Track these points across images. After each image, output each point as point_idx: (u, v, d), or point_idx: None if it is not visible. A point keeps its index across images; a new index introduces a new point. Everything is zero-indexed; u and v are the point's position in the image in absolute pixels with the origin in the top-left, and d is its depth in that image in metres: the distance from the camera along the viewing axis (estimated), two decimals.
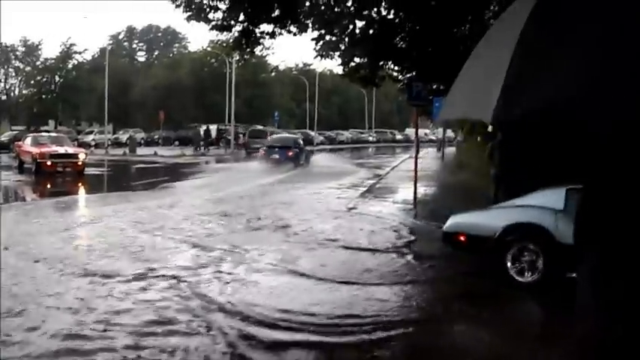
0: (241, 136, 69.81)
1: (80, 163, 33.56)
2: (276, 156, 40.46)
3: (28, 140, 36.70)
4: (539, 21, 1.80)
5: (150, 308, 8.98)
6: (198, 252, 13.16)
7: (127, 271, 11.15)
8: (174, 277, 10.76)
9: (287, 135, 53.98)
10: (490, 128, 27.85)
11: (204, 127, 69.89)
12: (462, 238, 11.49)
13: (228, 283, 10.67)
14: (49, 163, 32.53)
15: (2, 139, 62.30)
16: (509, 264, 10.67)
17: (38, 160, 32.70)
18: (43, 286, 10.00)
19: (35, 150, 33.43)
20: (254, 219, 17.94)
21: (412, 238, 15.32)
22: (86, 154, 36.64)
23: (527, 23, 1.81)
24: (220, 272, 11.36)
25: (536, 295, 10.25)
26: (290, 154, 40.75)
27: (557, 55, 1.76)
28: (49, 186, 27.63)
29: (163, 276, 10.83)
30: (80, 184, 30.03)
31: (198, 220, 17.54)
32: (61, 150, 33.77)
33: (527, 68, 1.77)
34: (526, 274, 10.62)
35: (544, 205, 10.79)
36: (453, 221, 11.85)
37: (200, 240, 14.42)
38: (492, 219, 11.53)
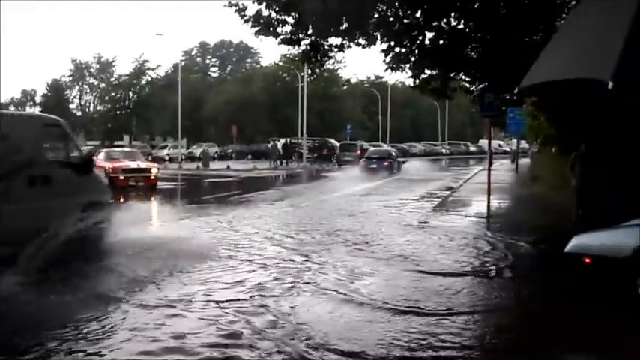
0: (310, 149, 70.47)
1: (153, 177, 33.70)
2: (374, 166, 48.31)
3: (102, 155, 36.30)
4: None
5: None
6: (256, 268, 12.93)
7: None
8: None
9: (383, 148, 66.15)
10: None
11: (282, 141, 70.32)
12: (587, 260, 10.22)
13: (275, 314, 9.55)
14: (121, 177, 32.57)
15: None
16: None
17: (111, 175, 32.33)
18: None
19: (108, 165, 33.25)
20: (329, 231, 17.79)
21: (494, 255, 14.43)
22: (158, 168, 36.53)
23: None
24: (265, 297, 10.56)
25: None
26: (385, 164, 48.70)
27: None
28: (121, 200, 27.82)
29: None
30: (152, 198, 30.15)
31: (268, 233, 17.41)
32: (134, 165, 33.78)
33: None
34: None
35: None
36: (577, 242, 10.63)
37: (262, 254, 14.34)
38: (621, 239, 10.21)
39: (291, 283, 11.52)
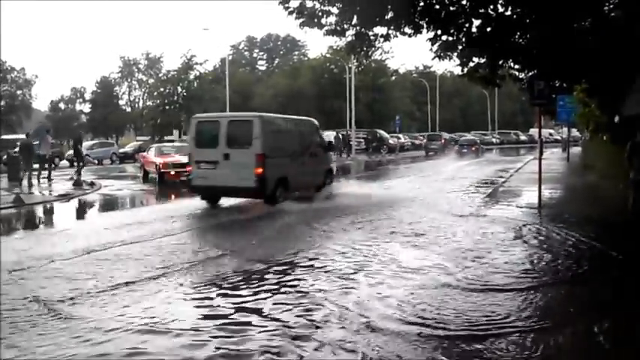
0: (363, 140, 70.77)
1: None
2: (465, 150, 64.40)
3: (152, 151, 36.94)
4: None
5: None
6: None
7: None
8: None
9: (471, 137, 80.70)
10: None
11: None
12: None
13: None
14: (172, 172, 32.47)
15: (127, 149, 64.05)
16: None
17: (162, 170, 32.96)
18: None
19: (159, 160, 33.57)
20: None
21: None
22: None
23: None
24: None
25: None
26: (473, 149, 64.90)
27: None
28: (173, 197, 27.69)
29: None
30: None
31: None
32: (184, 159, 30.63)
33: None
34: None
35: None
36: None
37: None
38: None
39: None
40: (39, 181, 32.00)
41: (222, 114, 34.05)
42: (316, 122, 27.19)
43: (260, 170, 20.99)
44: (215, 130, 21.87)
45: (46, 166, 33.97)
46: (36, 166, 33.00)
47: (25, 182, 31.08)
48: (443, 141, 75.52)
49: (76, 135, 45.03)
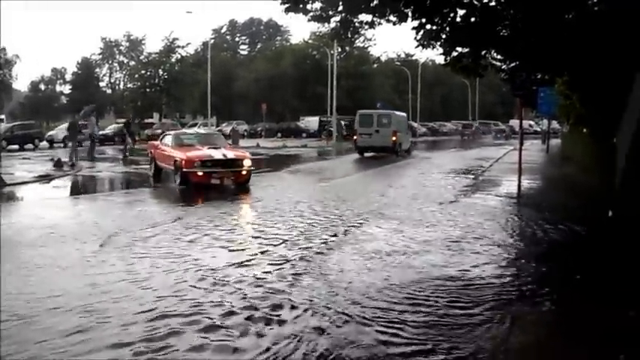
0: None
1: (245, 172, 23.57)
2: (499, 135, 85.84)
3: (169, 140, 26.31)
4: None
5: None
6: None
7: None
8: None
9: (501, 126, 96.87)
10: None
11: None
12: None
13: None
14: (199, 173, 22.82)
15: (107, 131, 63.00)
16: None
17: (184, 170, 22.86)
18: None
19: (179, 155, 23.64)
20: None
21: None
22: (251, 158, 24.86)
23: None
24: None
25: None
26: (503, 134, 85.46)
27: None
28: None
29: None
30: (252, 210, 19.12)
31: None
32: (217, 154, 23.57)
33: None
34: None
35: None
36: None
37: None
38: None
39: None
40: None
41: (373, 110, 49.49)
42: (404, 115, 50.61)
43: (394, 139, 42.43)
44: (370, 118, 43.77)
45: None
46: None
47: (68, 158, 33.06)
48: (474, 128, 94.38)
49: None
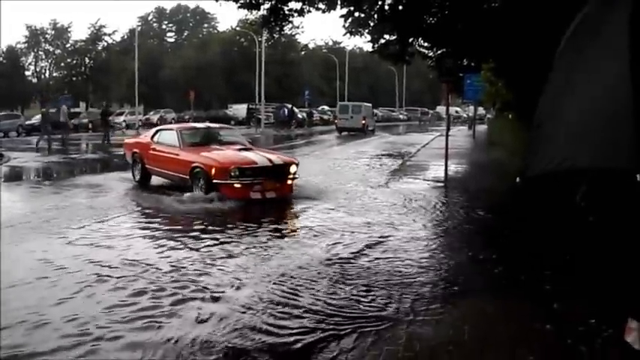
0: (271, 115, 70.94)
1: (290, 181, 17.31)
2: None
3: (170, 137, 19.29)
4: None
5: None
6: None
7: None
8: None
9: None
10: None
11: (288, 107, 71.11)
12: None
13: None
14: (237, 185, 16.34)
15: (34, 121, 61.57)
16: None
17: (215, 181, 16.33)
18: None
19: (201, 160, 17.09)
20: None
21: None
22: (297, 164, 17.69)
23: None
24: None
25: None
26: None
27: None
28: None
29: None
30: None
31: None
32: (261, 160, 17.14)
33: None
34: None
35: None
36: None
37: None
38: None
39: None
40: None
41: (349, 102, 65.96)
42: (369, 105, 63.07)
43: (364, 122, 57.03)
44: (347, 107, 58.69)
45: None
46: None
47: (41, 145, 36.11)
48: (429, 115, 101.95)
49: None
